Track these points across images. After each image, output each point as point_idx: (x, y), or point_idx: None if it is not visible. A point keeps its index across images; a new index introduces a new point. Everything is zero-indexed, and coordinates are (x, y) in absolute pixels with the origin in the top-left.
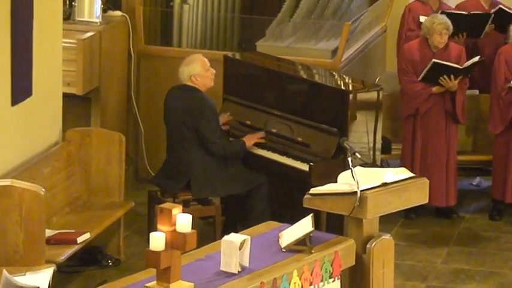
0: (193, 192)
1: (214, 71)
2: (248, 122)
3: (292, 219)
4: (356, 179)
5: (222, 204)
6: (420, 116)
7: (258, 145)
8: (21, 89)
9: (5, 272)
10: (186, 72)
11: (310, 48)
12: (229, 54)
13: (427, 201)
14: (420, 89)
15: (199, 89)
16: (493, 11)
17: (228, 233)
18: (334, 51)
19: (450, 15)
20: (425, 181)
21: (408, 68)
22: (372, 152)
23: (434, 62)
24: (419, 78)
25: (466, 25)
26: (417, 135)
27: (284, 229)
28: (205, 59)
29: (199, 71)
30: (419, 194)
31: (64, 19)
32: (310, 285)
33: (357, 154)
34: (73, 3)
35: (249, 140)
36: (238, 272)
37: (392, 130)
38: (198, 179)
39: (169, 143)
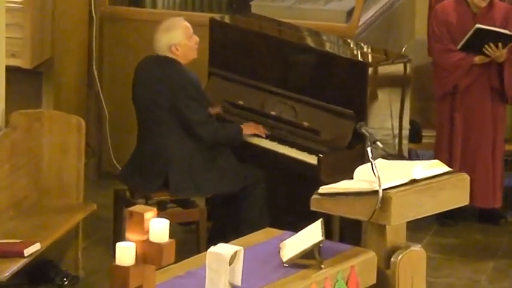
0: (171, 191)
1: (197, 39)
2: (240, 103)
3: (296, 226)
4: (377, 174)
5: (208, 207)
6: (459, 94)
7: (255, 134)
8: None
9: None
10: (164, 41)
11: (319, 8)
12: (217, 16)
13: (467, 202)
14: (458, 59)
15: (179, 61)
16: None
17: (215, 243)
18: (350, 13)
19: None
20: (465, 177)
21: (442, 34)
22: (397, 141)
23: (478, 28)
24: (458, 47)
25: None
26: (455, 118)
27: (286, 238)
28: (188, 25)
29: (180, 39)
30: (457, 194)
31: None
32: None
33: (378, 143)
34: None
35: (249, 128)
36: None
37: (423, 112)
38: (177, 174)
39: (141, 129)
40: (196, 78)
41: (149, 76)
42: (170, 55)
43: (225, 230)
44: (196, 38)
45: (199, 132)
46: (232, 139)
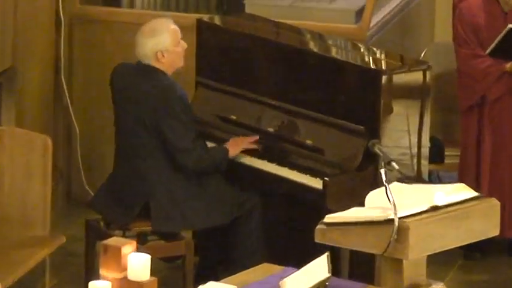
0: (153, 223)
1: (185, 45)
2: (233, 118)
3: (298, 261)
4: (392, 200)
5: (195, 239)
6: (488, 106)
7: (247, 151)
8: None
9: None
10: (150, 47)
11: (324, 7)
12: (205, 17)
13: (498, 233)
14: (487, 66)
15: (164, 71)
16: None
17: (204, 281)
18: (359, 13)
19: None
20: (494, 203)
21: (469, 37)
22: (415, 161)
23: (511, 29)
24: (486, 52)
25: None
26: (484, 134)
27: (287, 275)
28: (177, 28)
29: (168, 44)
30: (486, 223)
31: None
32: None
33: (393, 164)
34: None
35: (235, 146)
36: None
37: (446, 128)
38: (160, 203)
39: (118, 150)
40: (184, 94)
41: (130, 88)
42: (154, 63)
43: (215, 265)
44: (184, 44)
45: (183, 161)
46: (218, 164)
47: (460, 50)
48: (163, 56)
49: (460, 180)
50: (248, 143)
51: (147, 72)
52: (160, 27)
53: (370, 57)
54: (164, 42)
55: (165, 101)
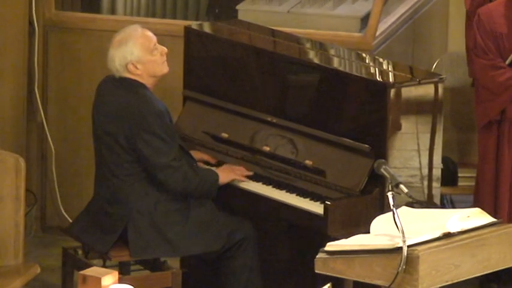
0: (131, 249)
1: (164, 50)
2: (224, 135)
3: None
4: (401, 227)
5: (183, 269)
6: (508, 123)
7: None
8: None
9: None
10: (118, 60)
11: (326, 14)
12: (194, 24)
13: None
14: (507, 78)
15: (142, 82)
16: None
17: None
18: (365, 20)
19: None
20: None
21: (488, 46)
22: (426, 183)
23: None
24: (507, 62)
25: None
26: (503, 154)
27: None
28: (147, 33)
29: (138, 54)
30: (504, 251)
31: None
32: None
33: (401, 186)
34: None
35: (227, 173)
36: None
37: (460, 147)
38: (139, 227)
39: (98, 170)
40: (163, 107)
41: (108, 103)
42: (131, 75)
43: None
44: (161, 49)
45: (163, 179)
46: (206, 190)
47: (477, 61)
48: (136, 67)
49: (476, 204)
50: (241, 176)
51: (124, 86)
52: (125, 38)
53: (377, 69)
54: (132, 53)
55: (139, 115)
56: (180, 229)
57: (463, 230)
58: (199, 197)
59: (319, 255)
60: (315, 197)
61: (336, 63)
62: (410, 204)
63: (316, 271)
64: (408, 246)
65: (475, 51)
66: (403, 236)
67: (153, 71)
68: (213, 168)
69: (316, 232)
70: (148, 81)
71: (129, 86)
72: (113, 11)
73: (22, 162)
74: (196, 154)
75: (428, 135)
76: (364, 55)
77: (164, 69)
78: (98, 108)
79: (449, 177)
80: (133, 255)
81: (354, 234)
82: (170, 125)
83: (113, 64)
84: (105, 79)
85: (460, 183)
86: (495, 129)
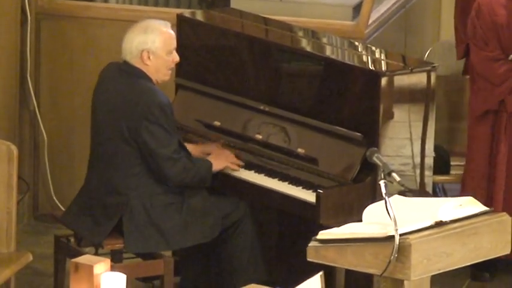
0: (126, 243)
1: (177, 59)
2: (217, 124)
3: (289, 281)
4: (393, 215)
5: (176, 256)
6: (507, 114)
7: None
8: None
9: None
10: (136, 43)
11: (319, 2)
12: (186, 13)
13: (509, 251)
14: (506, 70)
15: (148, 75)
16: None
17: None
18: (357, 8)
19: None
20: (505, 219)
21: (488, 37)
22: (418, 172)
23: None
24: (510, 57)
25: None
26: (499, 144)
27: None
28: (173, 34)
29: (157, 47)
30: (496, 240)
31: None
32: None
33: (394, 175)
34: None
35: (219, 161)
36: None
37: (452, 136)
38: (134, 219)
39: (92, 158)
40: (166, 100)
41: (107, 91)
42: (139, 64)
43: (198, 286)
44: (176, 56)
45: (165, 170)
46: (201, 180)
47: (477, 51)
48: (148, 57)
49: (464, 194)
50: (232, 164)
51: (130, 74)
52: (153, 26)
53: (369, 58)
54: (153, 43)
55: (143, 105)
56: (175, 223)
57: (455, 218)
58: (196, 186)
59: (311, 243)
60: (307, 186)
61: (328, 51)
62: (403, 193)
63: (308, 259)
64: (400, 235)
65: (474, 41)
66: (395, 225)
67: (160, 69)
68: (206, 157)
69: (308, 220)
70: (152, 76)
71: (135, 75)
72: None
73: (14, 150)
74: (195, 149)
75: (420, 124)
76: (356, 43)
77: (167, 75)
78: (99, 95)
79: (441, 166)
80: (129, 249)
81: (346, 223)
82: (173, 118)
83: (129, 46)
84: (108, 66)
85: (452, 172)
86: (491, 118)
